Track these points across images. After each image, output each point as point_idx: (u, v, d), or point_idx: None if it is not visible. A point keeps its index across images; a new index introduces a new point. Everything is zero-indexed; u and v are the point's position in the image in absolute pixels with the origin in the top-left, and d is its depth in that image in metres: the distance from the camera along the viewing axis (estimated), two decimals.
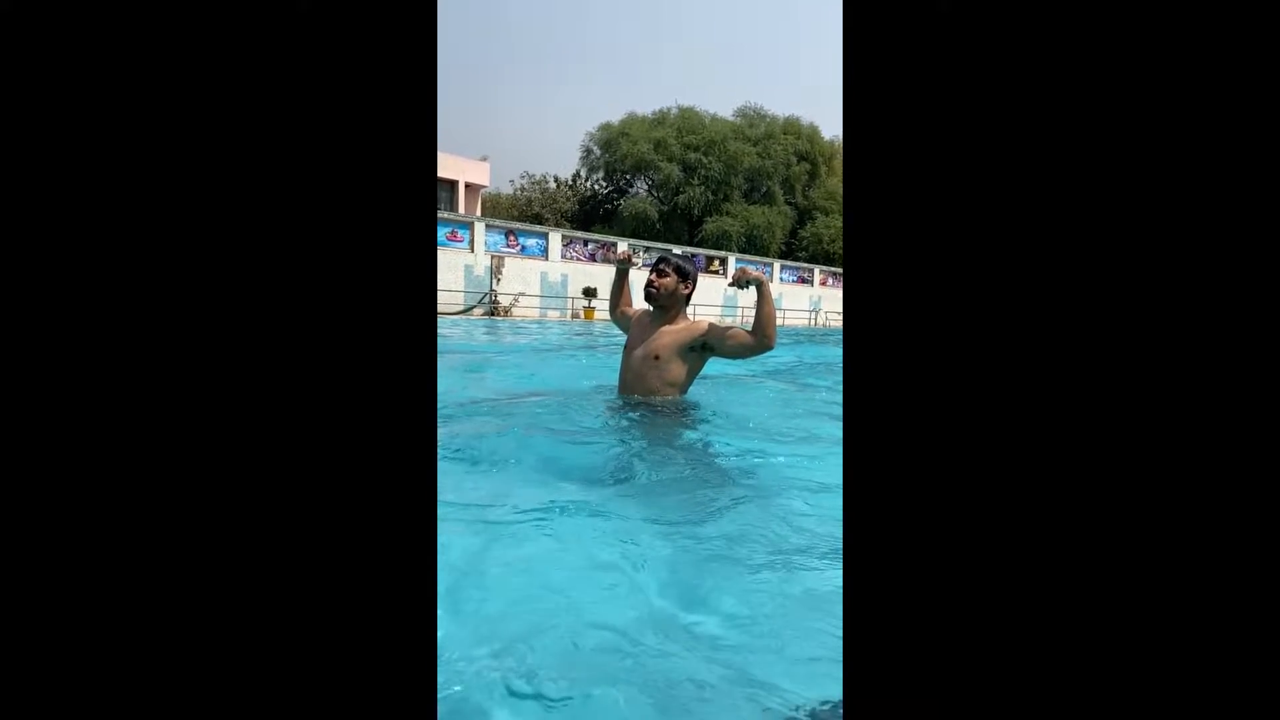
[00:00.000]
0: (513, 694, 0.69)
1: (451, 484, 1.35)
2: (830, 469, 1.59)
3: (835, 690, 0.73)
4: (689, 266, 2.10)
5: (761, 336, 1.86)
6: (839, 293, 22.15)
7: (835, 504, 1.30)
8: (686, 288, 2.07)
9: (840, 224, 24.97)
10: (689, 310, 2.14)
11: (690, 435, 1.83)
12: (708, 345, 1.97)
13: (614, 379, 2.20)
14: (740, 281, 1.94)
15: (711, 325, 2.01)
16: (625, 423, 1.92)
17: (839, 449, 1.77)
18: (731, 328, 1.98)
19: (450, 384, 2.82)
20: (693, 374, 2.06)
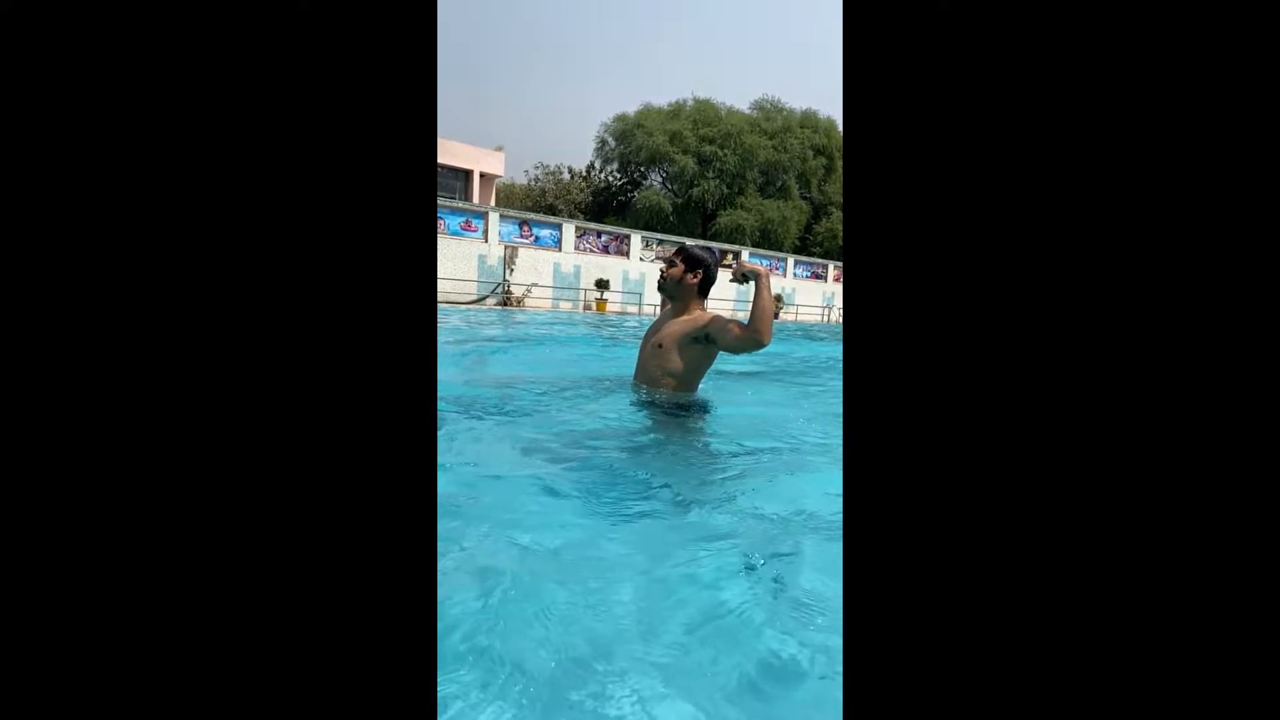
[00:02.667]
0: (511, 695, 0.70)
1: (451, 479, 1.37)
2: (827, 470, 1.58)
3: (835, 692, 0.74)
4: (704, 255, 2.01)
5: (752, 331, 1.78)
6: None
7: (830, 504, 1.29)
8: (695, 277, 2.00)
9: None
10: (705, 303, 2.08)
11: (676, 432, 1.82)
12: (709, 336, 1.92)
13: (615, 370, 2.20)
14: (738, 276, 1.89)
15: (716, 317, 1.96)
16: (612, 416, 1.91)
17: (833, 450, 1.75)
18: (733, 320, 1.92)
19: (455, 373, 2.83)
20: (696, 366, 2.00)
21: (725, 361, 2.16)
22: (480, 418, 1.86)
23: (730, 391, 2.57)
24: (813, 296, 20.16)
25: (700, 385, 2.09)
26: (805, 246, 24.08)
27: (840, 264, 21.12)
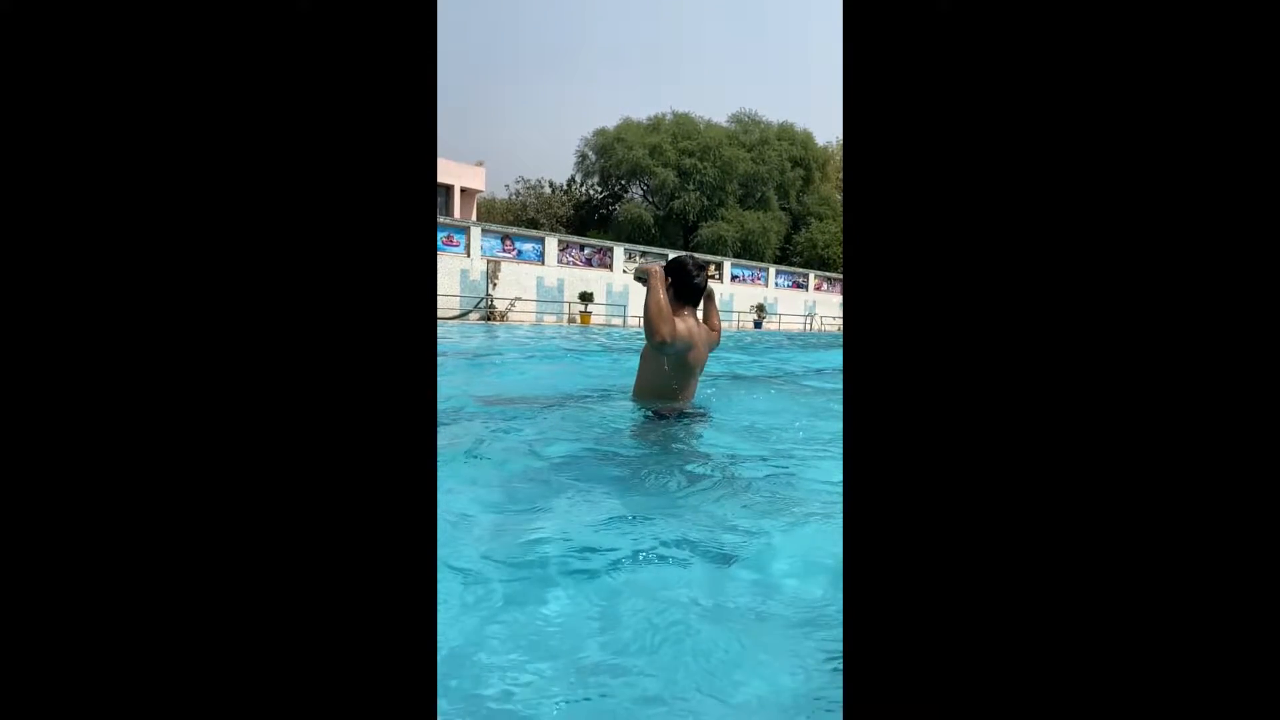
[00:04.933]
0: (510, 696, 0.69)
1: (448, 488, 1.35)
2: (821, 471, 1.59)
3: (836, 696, 0.73)
4: (676, 263, 2.04)
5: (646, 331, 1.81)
6: (834, 297, 22.31)
7: (826, 506, 1.30)
8: (667, 286, 2.03)
9: (835, 230, 25.16)
10: (694, 310, 2.06)
11: (665, 440, 1.82)
12: None
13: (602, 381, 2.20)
14: (639, 276, 1.90)
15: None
16: (604, 429, 1.91)
17: (823, 456, 1.76)
18: None
19: (448, 390, 2.81)
20: (663, 373, 2.01)
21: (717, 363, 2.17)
22: (475, 434, 1.85)
23: (725, 398, 2.57)
24: (795, 305, 20.37)
25: (696, 392, 2.09)
26: (786, 256, 24.39)
27: (820, 273, 21.45)
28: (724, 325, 2.28)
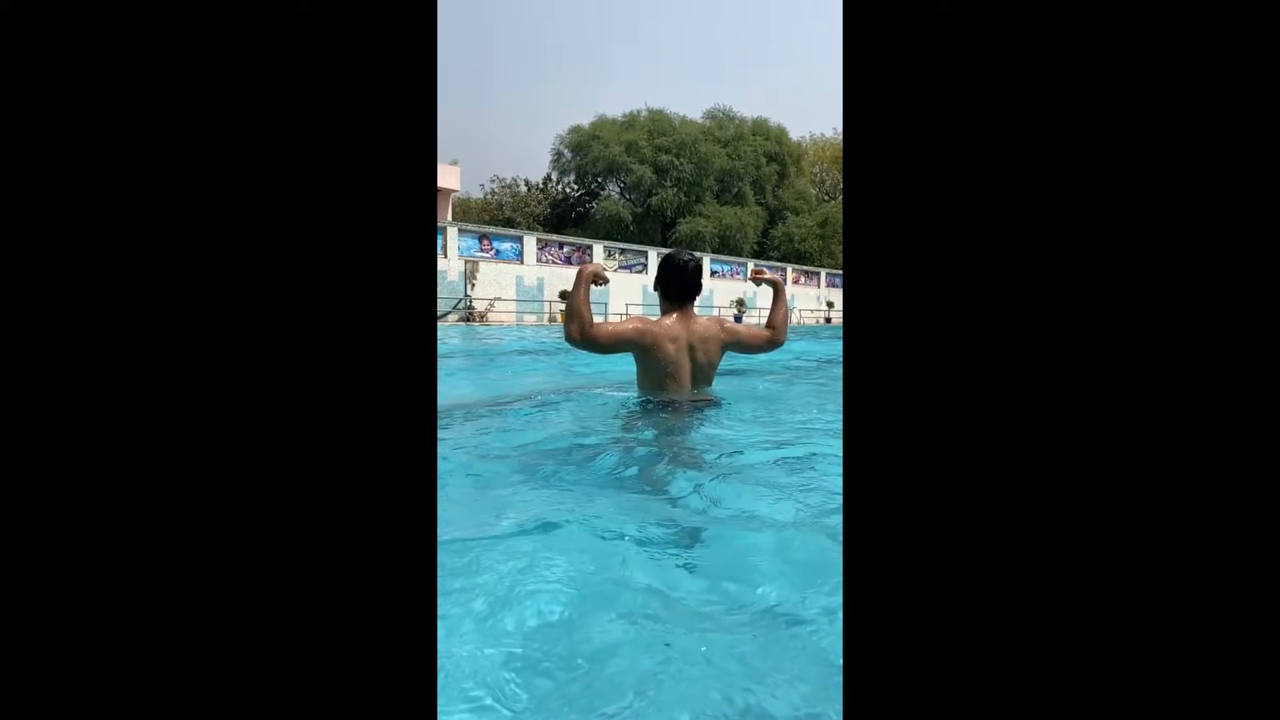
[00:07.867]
0: (509, 694, 0.69)
1: (449, 485, 1.34)
2: (821, 465, 1.61)
3: (835, 692, 0.74)
4: (668, 259, 2.09)
5: None
6: (811, 290, 22.52)
7: (824, 500, 1.31)
8: (655, 286, 2.13)
9: (810, 224, 25.44)
10: (688, 307, 2.10)
11: (663, 433, 1.83)
12: None
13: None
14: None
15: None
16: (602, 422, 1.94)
17: (820, 448, 1.77)
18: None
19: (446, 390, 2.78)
20: (639, 367, 2.09)
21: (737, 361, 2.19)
22: (469, 431, 1.84)
23: (735, 388, 2.57)
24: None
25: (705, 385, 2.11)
26: (763, 251, 24.56)
27: (798, 267, 21.66)
28: (736, 319, 2.32)
